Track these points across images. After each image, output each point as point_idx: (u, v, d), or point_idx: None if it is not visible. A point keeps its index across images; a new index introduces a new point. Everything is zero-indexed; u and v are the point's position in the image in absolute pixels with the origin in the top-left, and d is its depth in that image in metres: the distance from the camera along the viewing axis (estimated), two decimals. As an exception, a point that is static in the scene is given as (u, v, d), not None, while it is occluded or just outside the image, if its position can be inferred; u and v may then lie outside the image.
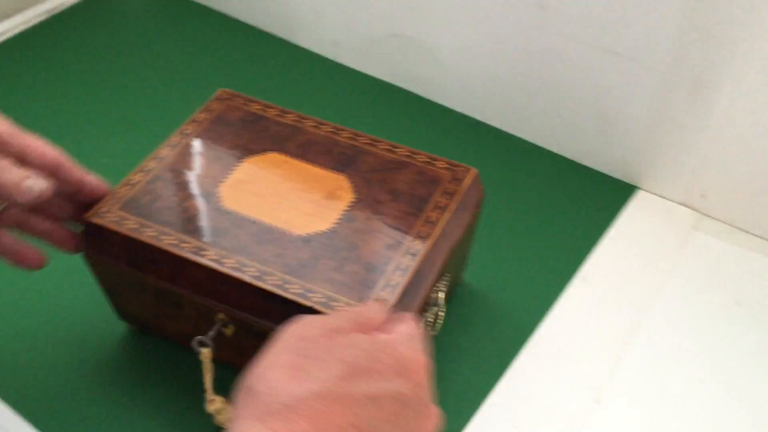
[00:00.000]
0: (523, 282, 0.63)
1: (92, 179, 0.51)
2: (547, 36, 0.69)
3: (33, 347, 0.58)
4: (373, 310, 0.41)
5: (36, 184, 0.45)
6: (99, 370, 0.56)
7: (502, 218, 0.69)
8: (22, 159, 0.46)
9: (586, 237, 0.67)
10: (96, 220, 0.50)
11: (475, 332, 0.59)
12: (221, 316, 0.49)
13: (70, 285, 0.61)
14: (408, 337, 0.38)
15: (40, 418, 0.53)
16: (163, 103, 0.81)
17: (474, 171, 0.54)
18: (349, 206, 0.51)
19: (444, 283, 0.53)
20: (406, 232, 0.50)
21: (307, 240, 0.49)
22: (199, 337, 0.49)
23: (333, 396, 0.33)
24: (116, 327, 0.59)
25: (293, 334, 0.37)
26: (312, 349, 0.36)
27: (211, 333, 0.49)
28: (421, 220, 0.50)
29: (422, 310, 0.50)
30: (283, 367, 0.35)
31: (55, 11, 0.94)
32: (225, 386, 0.47)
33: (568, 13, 0.66)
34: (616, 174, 0.73)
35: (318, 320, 0.38)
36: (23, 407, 0.54)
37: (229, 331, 0.50)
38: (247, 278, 0.46)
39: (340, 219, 0.50)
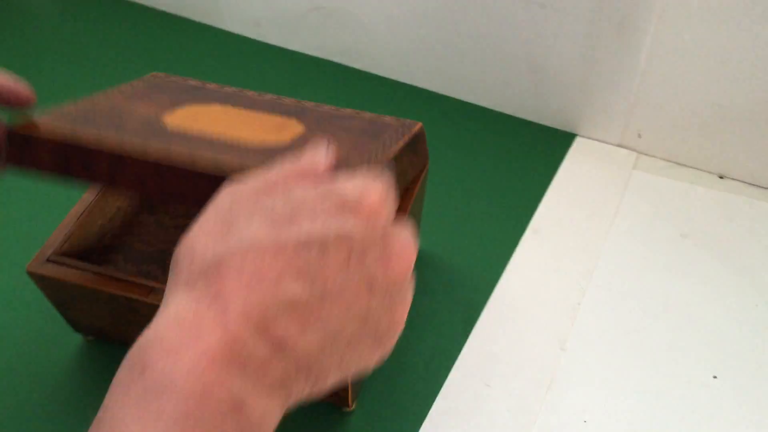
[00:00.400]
0: (477, 242, 0.64)
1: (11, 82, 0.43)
2: (472, -6, 0.69)
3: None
4: (317, 155, 0.34)
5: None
6: (57, 383, 0.55)
7: (448, 182, 0.69)
8: None
9: (533, 189, 0.68)
10: (22, 130, 0.43)
11: (436, 297, 0.60)
12: None
13: (18, 303, 0.59)
14: (362, 178, 0.32)
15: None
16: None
17: (420, 123, 0.54)
18: (302, 134, 0.48)
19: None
20: (363, 154, 0.46)
21: (265, 151, 0.44)
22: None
23: (260, 246, 0.28)
24: (72, 339, 0.57)
25: (224, 197, 0.32)
26: (241, 207, 0.30)
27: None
28: (378, 143, 0.48)
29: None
30: (209, 231, 0.30)
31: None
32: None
33: (490, -31, 0.66)
34: (555, 124, 0.74)
35: (251, 178, 0.32)
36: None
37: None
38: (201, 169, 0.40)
39: (295, 139, 0.47)
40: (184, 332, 0.27)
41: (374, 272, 0.30)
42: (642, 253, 0.63)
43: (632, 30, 0.64)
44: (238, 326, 0.27)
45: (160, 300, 0.45)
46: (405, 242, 0.31)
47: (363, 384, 0.54)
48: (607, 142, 0.72)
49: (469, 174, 0.70)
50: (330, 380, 0.31)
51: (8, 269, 0.61)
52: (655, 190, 0.68)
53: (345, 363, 0.31)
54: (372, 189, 0.31)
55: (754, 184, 0.68)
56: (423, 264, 0.62)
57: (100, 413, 0.27)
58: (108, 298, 0.49)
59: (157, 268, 0.54)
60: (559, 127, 0.74)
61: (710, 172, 0.69)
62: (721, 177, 0.69)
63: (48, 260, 0.50)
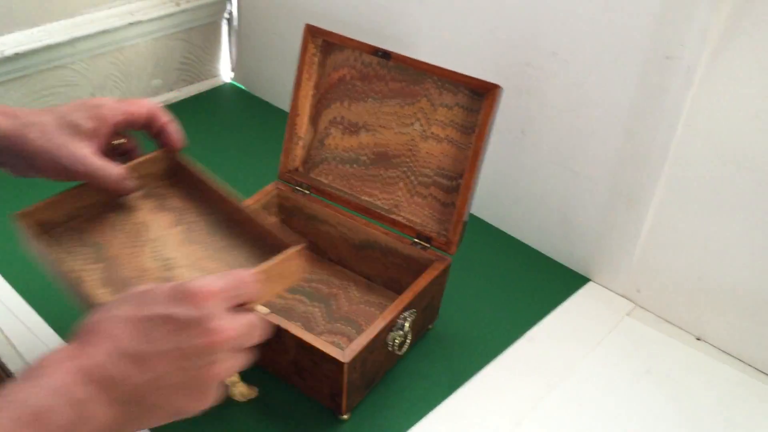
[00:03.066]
0: (480, 335, 0.82)
1: (173, 126, 0.69)
2: (526, 154, 0.90)
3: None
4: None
5: (129, 184, 0.66)
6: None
7: (475, 287, 0.88)
8: (129, 122, 0.66)
9: (539, 310, 0.85)
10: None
11: (434, 363, 0.78)
12: None
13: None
14: (207, 278, 0.50)
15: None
16: (234, 178, 1.04)
17: (448, 259, 0.75)
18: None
19: (410, 312, 0.72)
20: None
21: None
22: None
23: (118, 318, 0.48)
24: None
25: (126, 296, 0.51)
26: (125, 298, 0.50)
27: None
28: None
29: (389, 329, 0.70)
30: (97, 310, 0.50)
31: (170, 102, 1.22)
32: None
33: (542, 138, 0.88)
34: (573, 266, 0.91)
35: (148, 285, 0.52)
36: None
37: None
38: None
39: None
40: (63, 356, 0.46)
41: (194, 343, 0.47)
42: (610, 376, 0.78)
43: (638, 203, 0.82)
44: (94, 360, 0.46)
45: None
46: (222, 325, 0.48)
47: (358, 400, 0.72)
48: (612, 290, 0.89)
49: (493, 285, 0.88)
50: (156, 415, 0.48)
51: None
52: (639, 336, 0.83)
53: (167, 406, 0.48)
54: (206, 287, 0.49)
55: (725, 351, 0.82)
56: (433, 339, 0.80)
57: (0, 389, 0.45)
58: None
59: (91, 253, 0.67)
60: (576, 270, 0.91)
61: (690, 333, 0.84)
62: (698, 339, 0.83)
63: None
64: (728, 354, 0.82)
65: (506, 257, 0.93)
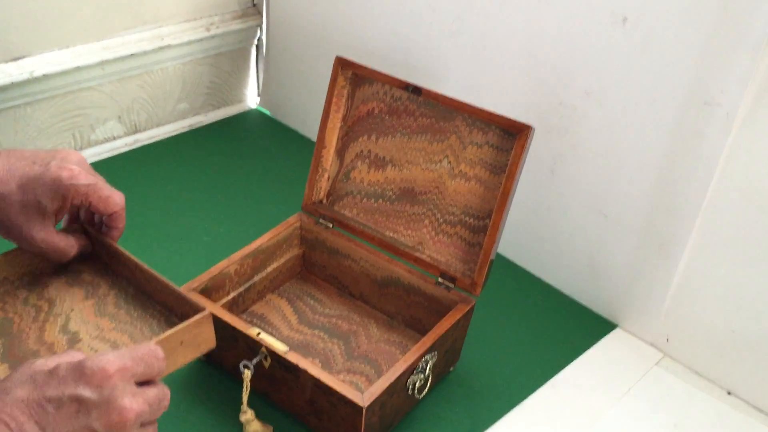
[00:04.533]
0: (502, 379, 0.79)
1: (118, 234, 0.67)
2: (555, 195, 0.88)
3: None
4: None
5: (74, 249, 0.65)
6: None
7: (499, 329, 0.85)
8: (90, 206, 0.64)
9: (564, 355, 0.83)
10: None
11: (454, 408, 0.75)
12: (263, 349, 0.68)
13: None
14: (100, 354, 0.48)
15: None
16: (256, 206, 1.04)
17: (473, 301, 0.74)
18: None
19: (432, 355, 0.70)
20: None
21: None
22: (245, 361, 0.68)
23: (18, 401, 0.46)
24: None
25: (21, 368, 0.49)
26: (23, 375, 0.48)
27: (255, 360, 0.68)
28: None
29: (410, 372, 0.68)
30: (16, 380, 0.47)
31: (195, 126, 1.22)
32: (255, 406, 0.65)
33: (572, 179, 0.86)
34: (601, 312, 0.89)
35: (49, 358, 0.49)
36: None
37: (267, 362, 0.69)
38: None
39: None
40: None
41: (95, 423, 0.45)
42: (635, 429, 0.75)
43: (669, 253, 0.79)
44: None
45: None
46: (127, 404, 0.46)
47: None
48: (641, 338, 0.86)
49: (518, 328, 0.86)
50: None
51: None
52: (667, 388, 0.80)
53: None
54: (109, 364, 0.47)
55: (756, 407, 0.79)
56: (455, 382, 0.78)
57: None
58: None
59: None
60: (604, 315, 0.88)
61: (721, 387, 0.81)
62: (729, 393, 0.80)
63: None
64: (759, 410, 0.78)
65: (532, 299, 0.91)
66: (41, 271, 0.70)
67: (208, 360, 0.78)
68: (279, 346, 0.68)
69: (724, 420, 0.77)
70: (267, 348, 0.68)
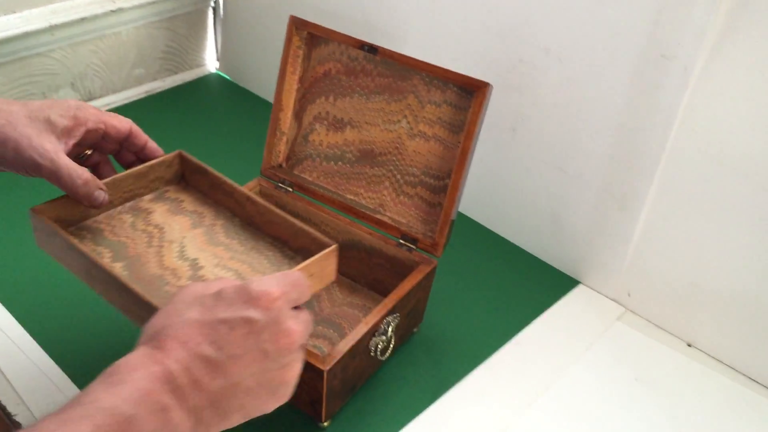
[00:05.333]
0: (466, 338, 0.79)
1: (152, 144, 0.68)
2: (517, 153, 0.88)
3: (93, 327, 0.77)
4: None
5: (101, 195, 0.62)
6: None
7: (462, 288, 0.85)
8: (105, 134, 0.63)
9: (527, 313, 0.83)
10: None
11: (418, 368, 0.75)
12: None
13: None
14: (268, 279, 0.48)
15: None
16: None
17: (434, 262, 0.73)
18: None
19: (394, 317, 0.69)
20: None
21: None
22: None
23: (191, 322, 0.46)
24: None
25: (181, 293, 0.49)
26: (188, 299, 0.48)
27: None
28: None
29: (372, 334, 0.67)
30: (164, 313, 0.48)
31: (153, 92, 1.19)
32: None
33: (533, 137, 0.85)
34: (564, 269, 0.89)
35: (203, 282, 0.51)
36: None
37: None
38: None
39: None
40: (140, 362, 0.44)
41: (267, 345, 0.46)
42: (599, 383, 0.76)
43: (630, 208, 0.80)
44: (171, 366, 0.44)
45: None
46: (293, 326, 0.47)
47: (339, 407, 0.70)
48: (602, 294, 0.87)
49: (482, 287, 0.86)
50: (233, 418, 0.47)
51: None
52: (629, 342, 0.81)
53: (245, 407, 0.47)
54: (272, 288, 0.48)
55: (716, 359, 0.80)
56: (419, 343, 0.78)
57: (81, 394, 0.43)
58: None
59: (108, 252, 0.66)
60: (566, 272, 0.89)
61: (681, 339, 0.82)
62: (689, 345, 0.81)
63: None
64: (719, 361, 0.80)
65: (494, 258, 0.91)
66: (140, 194, 0.71)
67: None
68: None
69: (685, 371, 0.78)
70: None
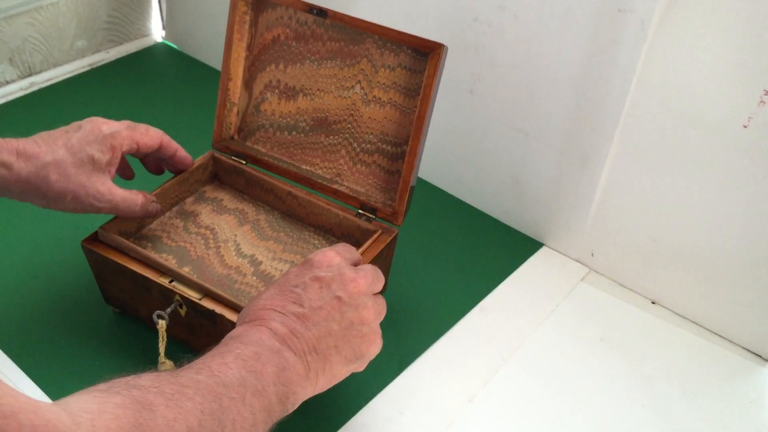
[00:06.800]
0: (430, 308, 0.78)
1: (182, 152, 0.73)
2: (476, 115, 0.86)
3: (39, 316, 0.74)
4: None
5: (155, 207, 0.70)
6: (87, 336, 0.72)
7: (424, 256, 0.84)
8: (137, 150, 0.69)
9: (492, 278, 0.82)
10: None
11: (384, 341, 0.74)
12: (177, 297, 0.65)
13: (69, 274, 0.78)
14: (318, 251, 0.59)
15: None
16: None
17: (395, 231, 0.72)
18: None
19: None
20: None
21: None
22: (158, 311, 0.65)
23: (274, 295, 0.56)
24: (103, 309, 0.75)
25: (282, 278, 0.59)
26: (267, 289, 0.58)
27: (168, 309, 0.65)
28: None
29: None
30: (248, 306, 0.57)
31: (97, 64, 1.14)
32: (175, 355, 0.62)
33: (490, 98, 0.83)
34: (526, 231, 0.88)
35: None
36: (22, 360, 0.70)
37: (183, 311, 0.65)
38: None
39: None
40: (244, 331, 0.54)
41: (339, 293, 0.56)
42: (564, 344, 0.76)
43: (591, 167, 0.78)
44: (271, 325, 0.54)
45: (167, 281, 0.63)
46: (355, 276, 0.57)
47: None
48: (566, 255, 0.86)
49: (444, 253, 0.85)
50: (337, 363, 0.55)
51: (67, 244, 0.80)
52: (593, 302, 0.81)
53: (342, 350, 0.55)
54: (328, 251, 0.59)
55: (681, 315, 0.80)
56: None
57: (214, 349, 0.52)
58: (131, 273, 0.67)
59: (173, 258, 0.71)
60: (529, 234, 0.88)
61: (645, 297, 0.81)
62: (653, 303, 0.81)
63: (97, 238, 0.68)
64: (684, 317, 0.80)
65: (456, 223, 0.89)
66: (182, 198, 0.77)
67: (123, 312, 0.74)
68: (193, 293, 0.64)
69: (649, 329, 0.78)
70: (181, 295, 0.65)
